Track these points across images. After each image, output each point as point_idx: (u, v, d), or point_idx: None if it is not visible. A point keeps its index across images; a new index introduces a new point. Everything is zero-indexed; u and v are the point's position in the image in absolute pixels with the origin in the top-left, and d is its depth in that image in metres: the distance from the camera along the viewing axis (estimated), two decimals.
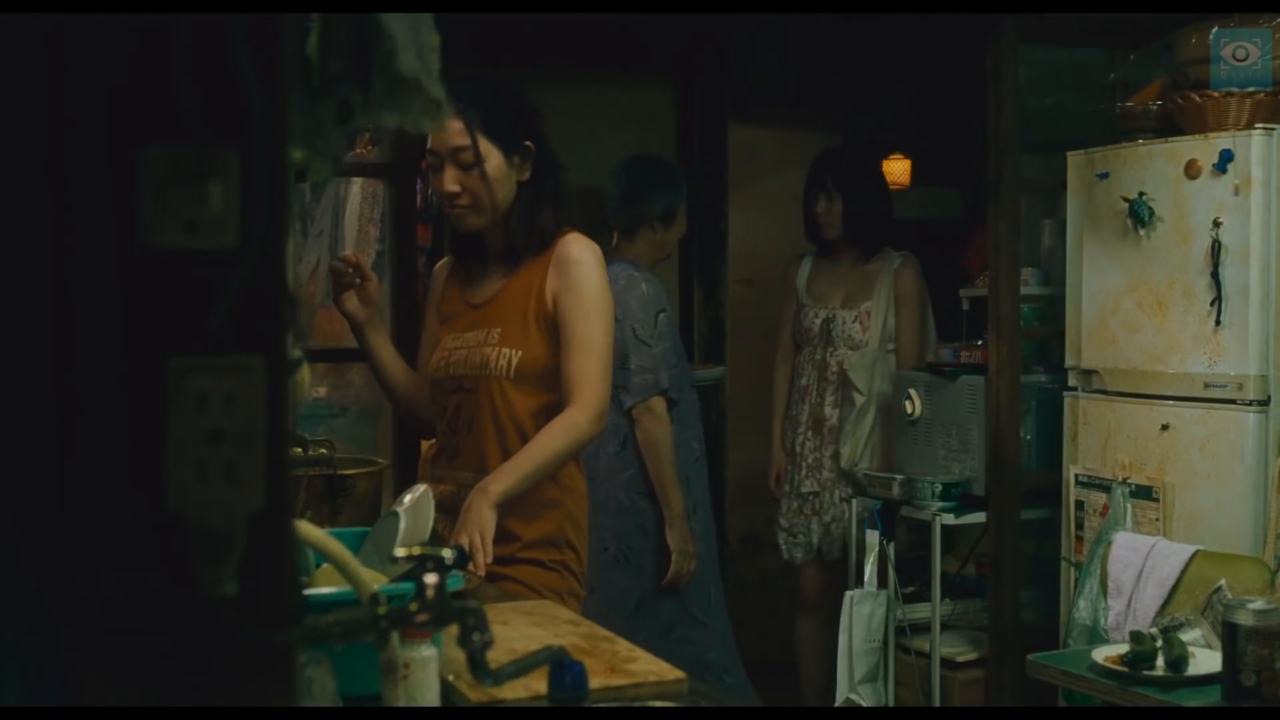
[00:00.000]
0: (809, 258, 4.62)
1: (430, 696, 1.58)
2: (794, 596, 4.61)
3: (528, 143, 2.71)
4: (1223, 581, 3.21)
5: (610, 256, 3.96)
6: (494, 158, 2.67)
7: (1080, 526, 3.86)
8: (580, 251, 2.72)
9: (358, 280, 2.79)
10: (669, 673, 1.89)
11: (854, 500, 4.28)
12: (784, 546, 4.52)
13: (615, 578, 3.72)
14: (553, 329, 2.69)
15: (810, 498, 4.45)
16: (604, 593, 3.69)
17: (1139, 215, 3.64)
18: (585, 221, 4.23)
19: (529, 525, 2.68)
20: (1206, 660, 2.91)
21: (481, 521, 2.52)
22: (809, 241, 4.60)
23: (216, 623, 1.04)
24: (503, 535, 2.60)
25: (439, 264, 3.03)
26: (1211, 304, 3.47)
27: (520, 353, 2.69)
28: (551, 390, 2.68)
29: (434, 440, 2.89)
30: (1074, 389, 3.93)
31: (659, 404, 3.75)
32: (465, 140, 2.63)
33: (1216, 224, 3.46)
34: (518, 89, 2.77)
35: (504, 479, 2.57)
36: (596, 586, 3.69)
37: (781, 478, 4.57)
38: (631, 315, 3.73)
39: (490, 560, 2.54)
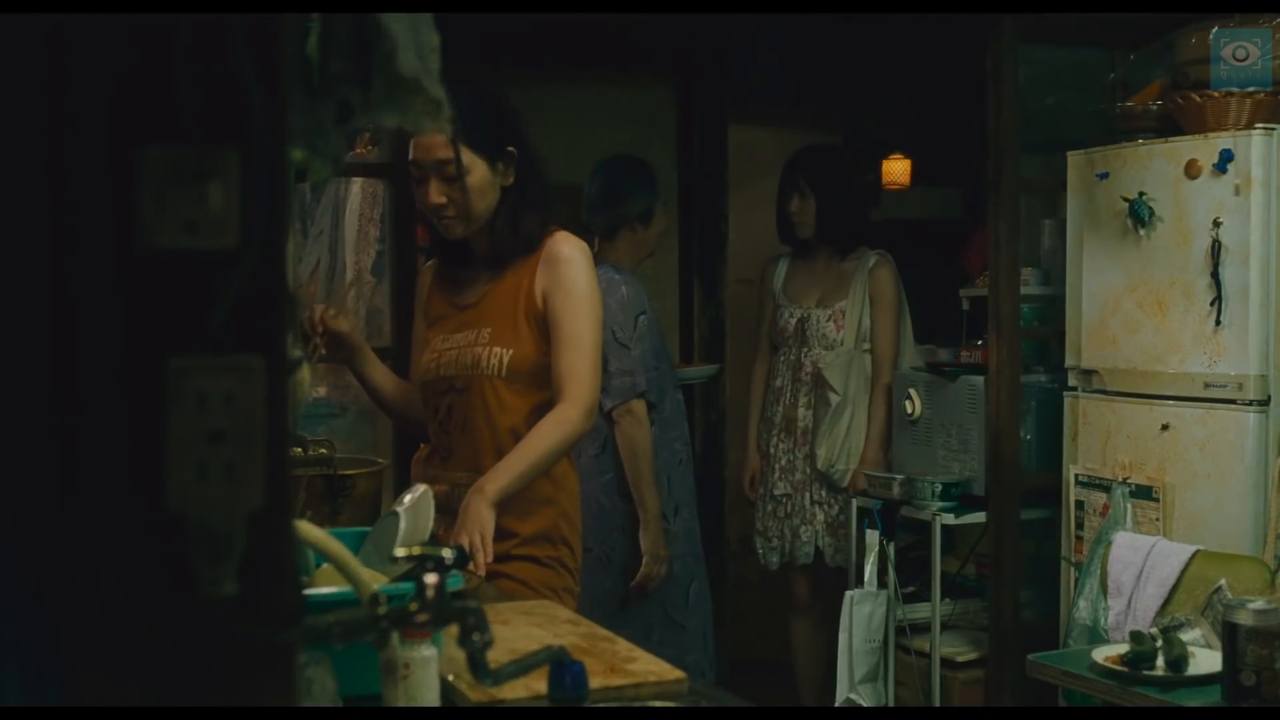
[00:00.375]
0: (785, 259, 4.59)
1: (430, 696, 1.58)
2: (786, 599, 4.60)
3: (510, 148, 2.71)
4: (1223, 581, 3.21)
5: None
6: (478, 168, 2.67)
7: (1080, 526, 3.86)
8: (570, 250, 2.73)
9: (318, 341, 2.79)
10: (669, 673, 1.89)
11: (854, 500, 4.27)
12: (760, 551, 4.49)
13: (599, 579, 3.72)
14: (543, 327, 2.70)
15: (784, 500, 4.42)
16: (588, 593, 3.69)
17: (1139, 215, 3.64)
18: (579, 221, 4.23)
19: (524, 522, 2.69)
20: (1206, 660, 2.91)
21: (481, 521, 2.53)
22: (782, 242, 4.57)
23: (216, 623, 1.04)
24: (498, 533, 2.60)
25: (425, 265, 3.04)
26: (1211, 304, 3.47)
27: (511, 351, 2.70)
28: (543, 388, 2.69)
29: None
30: (1074, 389, 3.92)
31: (639, 406, 3.75)
32: (448, 153, 2.64)
33: (1216, 224, 3.46)
34: (498, 93, 2.76)
35: (500, 478, 2.58)
36: (581, 587, 3.69)
37: (756, 481, 4.55)
38: (611, 318, 3.71)
39: (491, 559, 2.55)
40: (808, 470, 4.39)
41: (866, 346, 4.40)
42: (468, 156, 2.65)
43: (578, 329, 2.68)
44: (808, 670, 4.53)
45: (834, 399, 4.32)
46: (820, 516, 4.37)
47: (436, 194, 2.67)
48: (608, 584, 3.75)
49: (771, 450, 4.47)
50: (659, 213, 4.05)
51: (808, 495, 4.39)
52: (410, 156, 2.70)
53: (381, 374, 2.95)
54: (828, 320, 4.40)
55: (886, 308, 4.39)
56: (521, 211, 2.72)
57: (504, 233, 2.72)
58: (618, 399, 3.71)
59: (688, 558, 3.88)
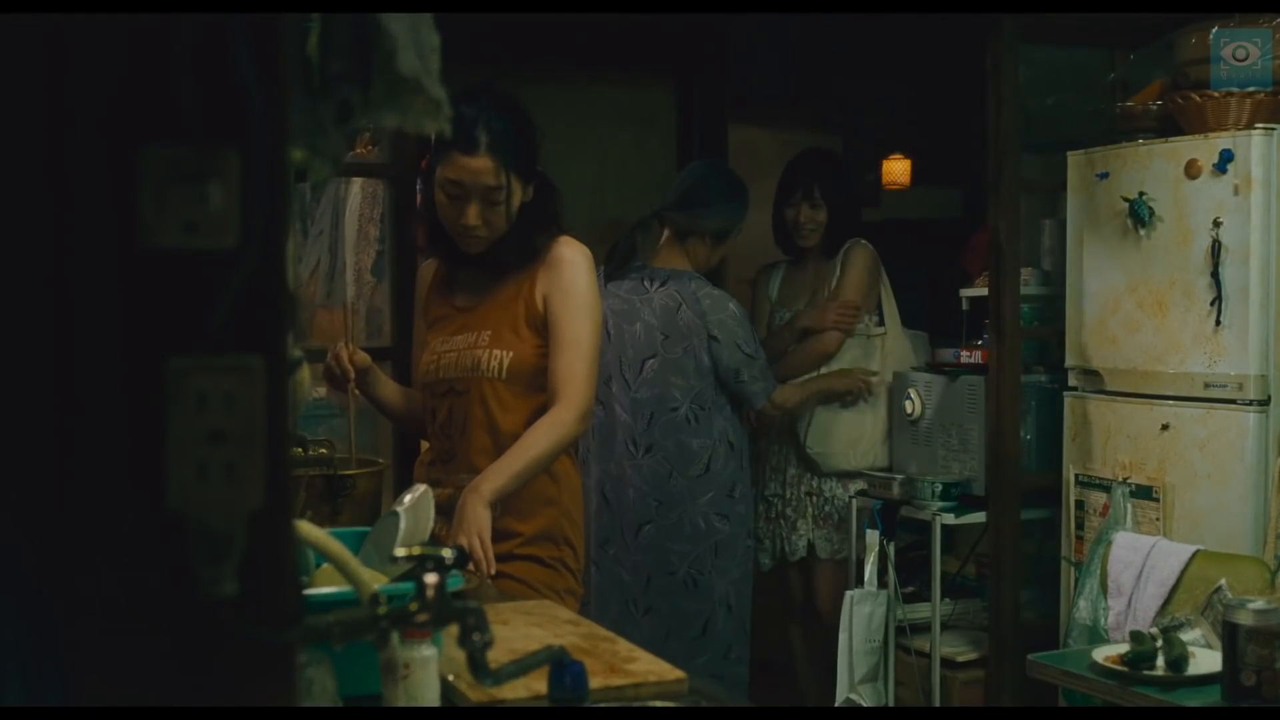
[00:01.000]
0: (781, 266, 4.53)
1: (430, 696, 1.58)
2: (783, 600, 4.58)
3: (539, 168, 2.75)
4: (1223, 581, 3.21)
5: (662, 264, 3.90)
6: (518, 194, 2.70)
7: (1080, 526, 3.86)
8: (572, 253, 2.74)
9: (353, 385, 2.80)
10: (669, 673, 1.89)
11: (854, 500, 4.26)
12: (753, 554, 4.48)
13: (681, 602, 3.70)
14: (543, 330, 2.71)
15: (774, 500, 4.40)
16: (666, 617, 3.68)
17: (1139, 215, 3.64)
18: (585, 222, 4.22)
19: (526, 522, 2.70)
20: (1206, 660, 2.91)
21: (478, 521, 2.53)
22: (781, 248, 4.48)
23: (216, 623, 1.04)
24: (500, 533, 2.61)
25: (423, 265, 3.04)
26: (1211, 304, 3.47)
27: (511, 354, 2.71)
28: (544, 390, 2.70)
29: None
30: (1074, 389, 3.93)
31: (778, 395, 3.95)
32: (499, 181, 2.66)
33: (1216, 224, 3.46)
34: (529, 115, 2.77)
35: (495, 477, 2.59)
36: (654, 608, 3.68)
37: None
38: (731, 334, 3.80)
39: (492, 561, 2.55)
40: (799, 465, 4.35)
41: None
42: (514, 184, 2.68)
43: (576, 331, 2.69)
44: (808, 670, 4.52)
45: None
46: (810, 509, 4.34)
47: (474, 216, 2.68)
48: (690, 607, 3.72)
49: (760, 452, 4.45)
50: (733, 238, 4.02)
51: (801, 488, 4.35)
52: (447, 175, 2.68)
53: (390, 390, 2.97)
54: None
55: (844, 285, 4.29)
56: (535, 230, 2.74)
57: (512, 248, 2.74)
58: (762, 399, 3.88)
59: (748, 551, 3.91)
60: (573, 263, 2.73)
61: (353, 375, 2.79)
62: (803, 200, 4.33)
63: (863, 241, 4.36)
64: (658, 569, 3.69)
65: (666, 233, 3.93)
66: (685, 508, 3.71)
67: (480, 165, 2.64)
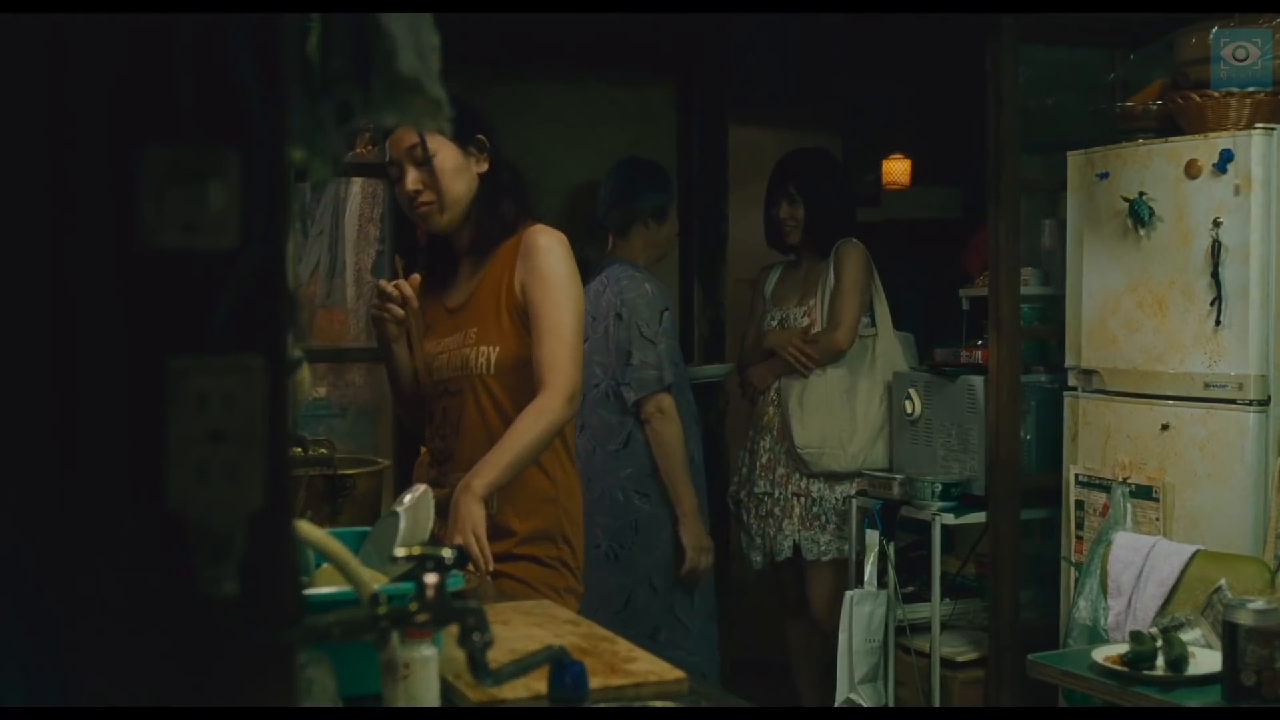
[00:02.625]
0: (779, 266, 4.57)
1: (430, 696, 1.58)
2: (781, 599, 4.58)
3: (480, 135, 2.76)
4: (1223, 581, 3.21)
5: (607, 257, 4.02)
6: (445, 150, 2.72)
7: (1080, 526, 3.86)
8: (546, 240, 2.75)
9: (402, 312, 2.77)
10: (669, 672, 1.89)
11: (854, 500, 4.26)
12: (744, 550, 4.47)
13: (604, 575, 3.76)
14: (525, 320, 2.71)
15: (764, 498, 4.40)
16: (593, 589, 3.71)
17: (1139, 215, 3.64)
18: (584, 221, 4.23)
19: (525, 521, 2.70)
20: (1206, 660, 2.91)
21: (473, 519, 2.53)
22: (770, 247, 4.54)
23: (216, 623, 1.04)
24: (499, 532, 2.61)
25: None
26: (1211, 304, 3.47)
27: (497, 348, 2.72)
28: (534, 381, 2.70)
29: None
30: (1074, 389, 3.93)
31: (668, 403, 3.83)
32: (414, 138, 2.68)
33: (1216, 224, 3.46)
34: (470, 105, 2.79)
35: (486, 472, 2.59)
36: (585, 583, 3.71)
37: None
38: (635, 312, 3.81)
39: (489, 557, 2.55)
40: (788, 465, 4.35)
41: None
42: (434, 141, 2.69)
43: (557, 317, 2.69)
44: (805, 670, 4.52)
45: (798, 379, 4.29)
46: (797, 510, 4.33)
47: (412, 182, 2.74)
48: (612, 581, 3.79)
49: (755, 448, 4.46)
50: (672, 212, 4.14)
51: (789, 487, 4.35)
52: (387, 159, 2.77)
53: (410, 367, 2.94)
54: (803, 316, 4.38)
55: (845, 283, 4.29)
56: (498, 197, 2.77)
57: (483, 218, 2.76)
58: (640, 392, 3.80)
59: None
60: (547, 249, 2.74)
61: (413, 295, 2.74)
62: (782, 199, 4.43)
63: (853, 240, 4.38)
64: (586, 544, 3.75)
65: (612, 238, 4.07)
66: (606, 482, 3.81)
67: (399, 134, 2.72)
